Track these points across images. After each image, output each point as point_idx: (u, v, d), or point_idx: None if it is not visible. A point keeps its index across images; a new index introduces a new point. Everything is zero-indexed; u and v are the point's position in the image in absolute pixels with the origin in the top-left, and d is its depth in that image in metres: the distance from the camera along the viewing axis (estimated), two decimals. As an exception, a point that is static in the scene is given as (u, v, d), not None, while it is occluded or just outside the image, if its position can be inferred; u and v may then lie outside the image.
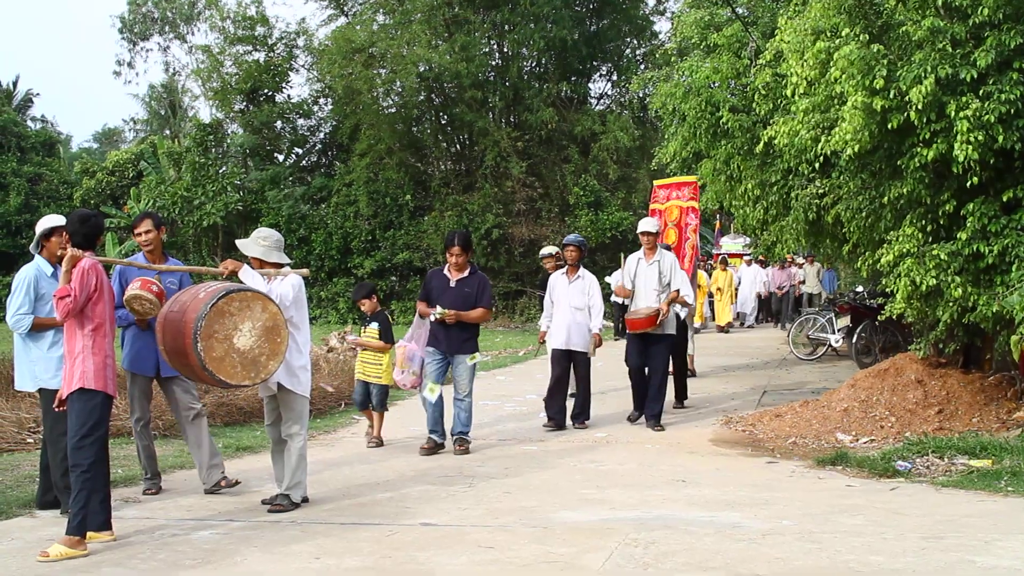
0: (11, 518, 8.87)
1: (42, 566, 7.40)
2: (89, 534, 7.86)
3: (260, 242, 9.24)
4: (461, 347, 12.03)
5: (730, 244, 34.74)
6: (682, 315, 14.75)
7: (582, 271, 13.88)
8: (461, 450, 11.89)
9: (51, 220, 9.21)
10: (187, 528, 8.54)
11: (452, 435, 12.03)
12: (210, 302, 7.94)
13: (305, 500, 9.37)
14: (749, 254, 31.72)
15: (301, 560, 7.55)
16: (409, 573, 7.18)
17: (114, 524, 8.13)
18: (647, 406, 13.66)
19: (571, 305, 13.63)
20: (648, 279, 13.64)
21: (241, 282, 8.65)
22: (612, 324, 26.15)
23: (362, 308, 12.82)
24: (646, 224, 13.97)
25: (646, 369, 13.76)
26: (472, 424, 12.30)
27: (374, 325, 12.50)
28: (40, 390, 9.02)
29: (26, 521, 8.84)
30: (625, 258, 14.08)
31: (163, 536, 8.28)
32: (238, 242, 9.41)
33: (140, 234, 9.89)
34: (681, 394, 15.69)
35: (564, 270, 14.01)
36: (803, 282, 32.09)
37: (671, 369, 14.66)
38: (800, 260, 32.27)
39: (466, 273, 12.14)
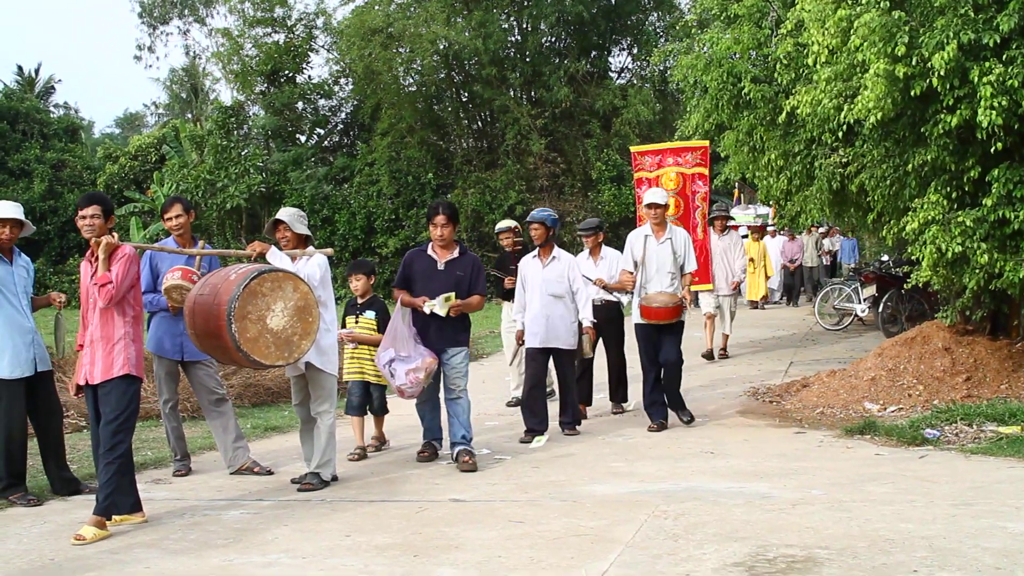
0: (44, 502, 8.93)
1: (77, 549, 7.46)
2: (121, 516, 7.95)
3: (303, 220, 9.47)
4: (456, 340, 10.25)
5: (741, 216, 33.48)
6: (624, 300, 12.90)
7: (557, 251, 11.70)
8: (468, 464, 9.86)
9: (4, 210, 9.10)
10: (217, 508, 8.61)
11: (453, 445, 10.24)
12: (243, 283, 7.96)
13: (335, 478, 9.43)
14: (773, 224, 31.05)
15: (332, 538, 7.58)
16: (439, 549, 7.21)
17: (145, 505, 8.19)
18: (672, 399, 11.92)
19: (548, 293, 11.44)
20: (661, 260, 11.79)
21: (270, 263, 8.68)
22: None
23: (352, 285, 11.02)
24: (654, 195, 12.05)
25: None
26: (472, 428, 10.44)
27: (369, 314, 10.86)
28: None
29: (58, 504, 8.91)
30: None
31: (194, 516, 8.35)
32: (282, 212, 9.42)
33: (170, 219, 9.89)
34: (620, 394, 13.22)
35: (534, 253, 11.80)
36: (829, 251, 31.57)
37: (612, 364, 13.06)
38: (822, 229, 30.99)
39: (455, 253, 10.26)
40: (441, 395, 10.45)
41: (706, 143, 16.75)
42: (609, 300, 12.70)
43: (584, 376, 12.57)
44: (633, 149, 18.01)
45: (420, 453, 10.46)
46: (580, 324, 11.65)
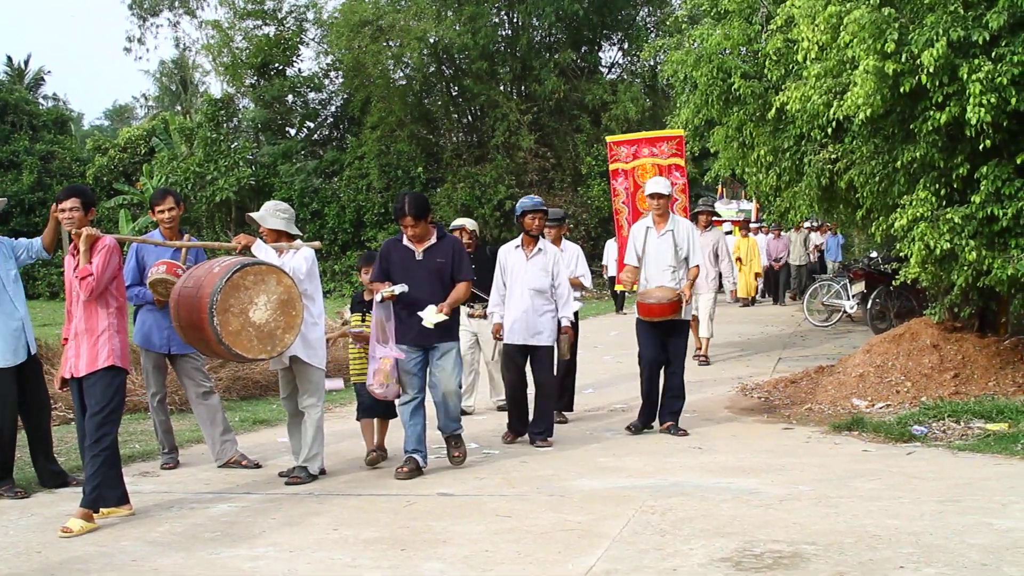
0: (31, 494, 8.92)
1: (64, 540, 7.45)
2: (109, 509, 7.94)
3: (280, 215, 9.29)
4: (444, 335, 9.48)
5: (724, 210, 32.62)
6: (576, 307, 12.01)
7: (542, 243, 10.98)
8: (457, 456, 9.63)
9: None
10: (205, 501, 8.60)
11: (442, 433, 9.76)
12: (225, 276, 7.95)
13: (322, 472, 9.42)
14: (761, 221, 30.83)
15: (319, 531, 7.59)
16: (427, 543, 7.21)
17: (132, 498, 8.19)
18: (667, 404, 11.25)
19: (530, 288, 10.72)
20: (661, 253, 11.23)
21: (255, 256, 8.67)
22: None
23: (364, 279, 10.29)
24: (656, 184, 11.46)
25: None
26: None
27: None
28: None
29: (45, 497, 8.89)
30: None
31: (182, 510, 8.34)
32: (254, 215, 9.35)
33: (163, 211, 9.83)
34: (563, 401, 12.18)
35: (517, 243, 11.04)
36: (817, 247, 31.22)
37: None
38: (808, 224, 29.97)
39: (433, 239, 9.49)
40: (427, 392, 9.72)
41: (681, 132, 16.36)
42: None
43: (566, 380, 12.13)
44: (609, 139, 17.69)
45: (399, 469, 9.39)
46: (559, 323, 10.95)
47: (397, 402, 9.63)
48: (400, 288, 9.14)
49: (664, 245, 11.27)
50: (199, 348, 8.70)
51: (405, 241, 9.51)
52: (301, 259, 9.04)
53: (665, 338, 11.19)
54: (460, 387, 9.83)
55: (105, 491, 7.86)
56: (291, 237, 9.30)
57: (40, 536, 7.63)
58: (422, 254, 9.43)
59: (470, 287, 9.71)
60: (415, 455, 9.44)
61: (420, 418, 9.48)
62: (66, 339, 8.19)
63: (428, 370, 9.65)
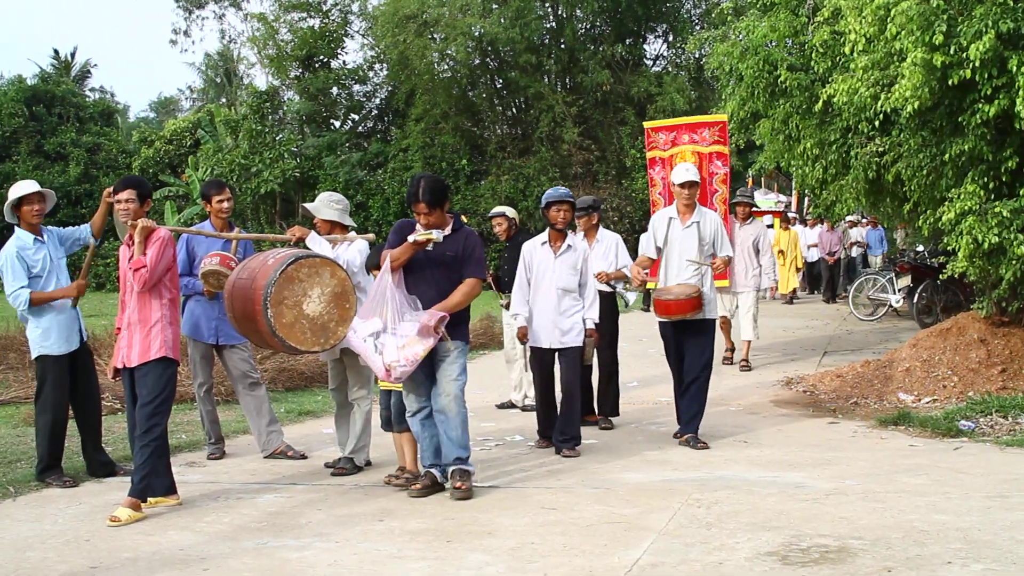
0: (79, 483, 9.01)
1: (112, 529, 7.52)
2: (156, 499, 8.00)
3: (334, 205, 9.29)
4: (448, 332, 8.29)
5: (761, 200, 30.30)
6: (630, 299, 11.87)
7: (571, 238, 10.26)
8: (461, 489, 8.26)
9: (24, 187, 9.09)
10: (251, 492, 8.65)
11: (443, 461, 8.53)
12: (279, 268, 7.95)
13: (368, 464, 9.46)
14: (805, 213, 30.38)
15: (365, 523, 7.61)
16: (472, 535, 7.22)
17: (179, 488, 8.24)
18: (684, 411, 10.33)
19: (558, 287, 9.98)
20: (684, 246, 10.18)
21: (308, 249, 8.67)
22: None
23: None
24: (687, 172, 10.31)
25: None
26: (470, 445, 8.62)
27: None
28: (40, 357, 9.04)
29: (93, 486, 8.98)
30: None
31: (228, 500, 8.40)
32: (308, 205, 9.42)
33: (223, 201, 9.94)
34: (609, 405, 11.57)
35: (543, 239, 10.24)
36: (856, 242, 30.30)
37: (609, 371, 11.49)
38: (850, 218, 28.67)
39: (448, 230, 8.38)
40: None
41: (724, 117, 15.68)
42: (603, 290, 10.99)
43: (610, 385, 11.51)
44: (647, 125, 16.87)
45: (412, 486, 8.55)
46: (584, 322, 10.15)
47: (407, 414, 8.64)
48: (438, 234, 8.21)
49: (688, 238, 10.24)
50: (253, 340, 8.70)
51: (419, 226, 8.38)
52: (355, 252, 9.04)
53: (686, 340, 10.22)
54: (462, 400, 8.49)
55: (153, 481, 7.93)
56: (345, 228, 9.31)
57: (88, 525, 7.71)
58: (432, 245, 8.28)
59: (479, 286, 8.58)
60: (433, 470, 8.57)
61: (435, 428, 8.50)
62: (119, 329, 8.26)
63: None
